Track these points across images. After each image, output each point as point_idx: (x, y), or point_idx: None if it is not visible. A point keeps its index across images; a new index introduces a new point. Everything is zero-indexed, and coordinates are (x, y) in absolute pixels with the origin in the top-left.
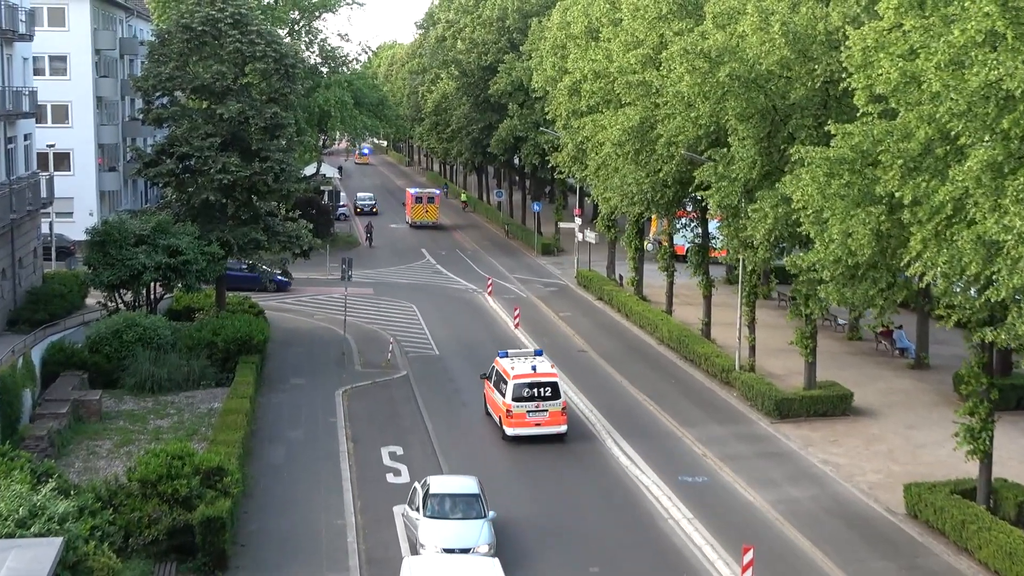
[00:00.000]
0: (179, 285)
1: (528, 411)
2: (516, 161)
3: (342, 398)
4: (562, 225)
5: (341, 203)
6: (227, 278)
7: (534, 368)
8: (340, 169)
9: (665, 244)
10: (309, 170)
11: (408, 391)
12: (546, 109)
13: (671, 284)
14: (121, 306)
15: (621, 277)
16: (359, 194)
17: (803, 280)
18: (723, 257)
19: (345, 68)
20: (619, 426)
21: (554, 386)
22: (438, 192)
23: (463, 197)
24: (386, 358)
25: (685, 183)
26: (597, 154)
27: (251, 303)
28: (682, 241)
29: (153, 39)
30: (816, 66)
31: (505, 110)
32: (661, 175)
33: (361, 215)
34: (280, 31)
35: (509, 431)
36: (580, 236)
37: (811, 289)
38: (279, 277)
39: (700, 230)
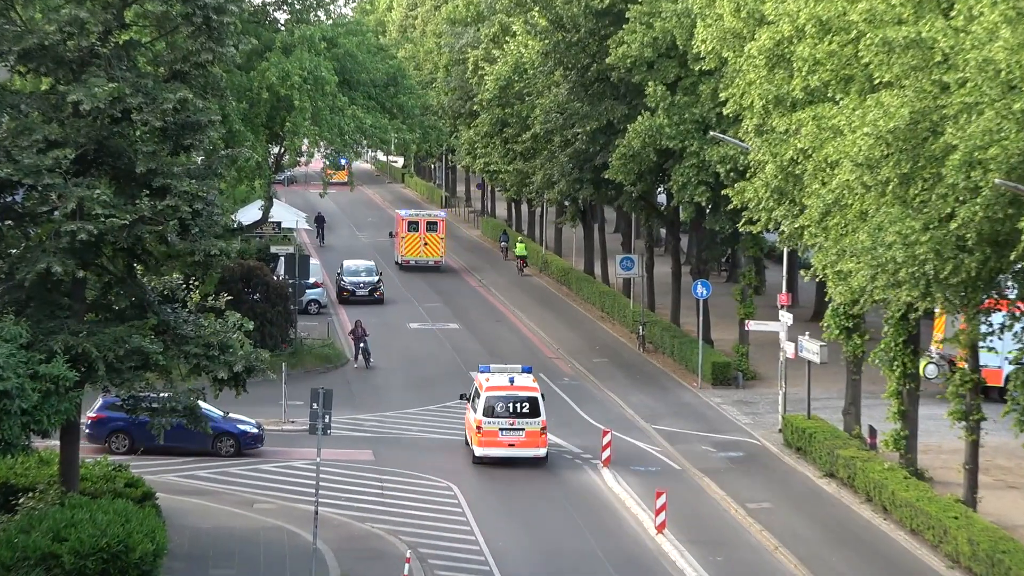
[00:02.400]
0: None
1: (501, 428)
2: (662, 199)
3: None
4: (753, 326)
5: (311, 280)
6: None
7: (511, 380)
8: (320, 220)
9: (962, 365)
10: (249, 214)
11: None
12: (720, 95)
13: (975, 447)
14: None
15: (873, 432)
16: (347, 263)
17: None
18: None
19: (321, 12)
20: None
21: (533, 402)
22: (442, 215)
23: (519, 248)
24: None
25: (1002, 243)
26: (824, 185)
27: (130, 478)
28: (996, 360)
29: None
30: None
31: (639, 97)
32: (955, 227)
33: (349, 303)
34: None
35: (478, 451)
36: (789, 350)
37: None
38: (243, 426)
39: None
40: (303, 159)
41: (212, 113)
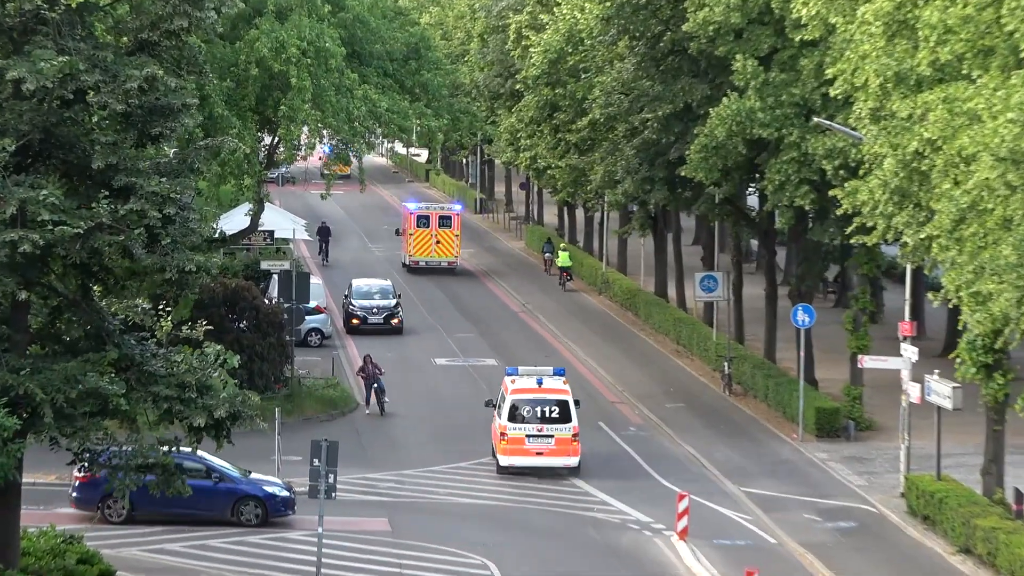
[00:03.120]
0: None
1: (528, 435)
2: (753, 203)
3: None
4: (868, 363)
5: (311, 304)
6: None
7: (540, 383)
8: (324, 233)
9: None
10: (234, 221)
11: None
12: (826, 71)
13: None
14: None
15: (1020, 496)
16: (356, 283)
17: None
18: None
19: None
20: None
21: (564, 406)
22: (459, 209)
23: (561, 258)
24: None
25: None
26: (957, 185)
27: (83, 552)
28: None
29: None
30: None
31: (724, 74)
32: None
33: (359, 332)
34: None
35: (503, 460)
36: (914, 393)
37: None
38: (270, 488)
39: None
40: (302, 152)
41: (187, 94)
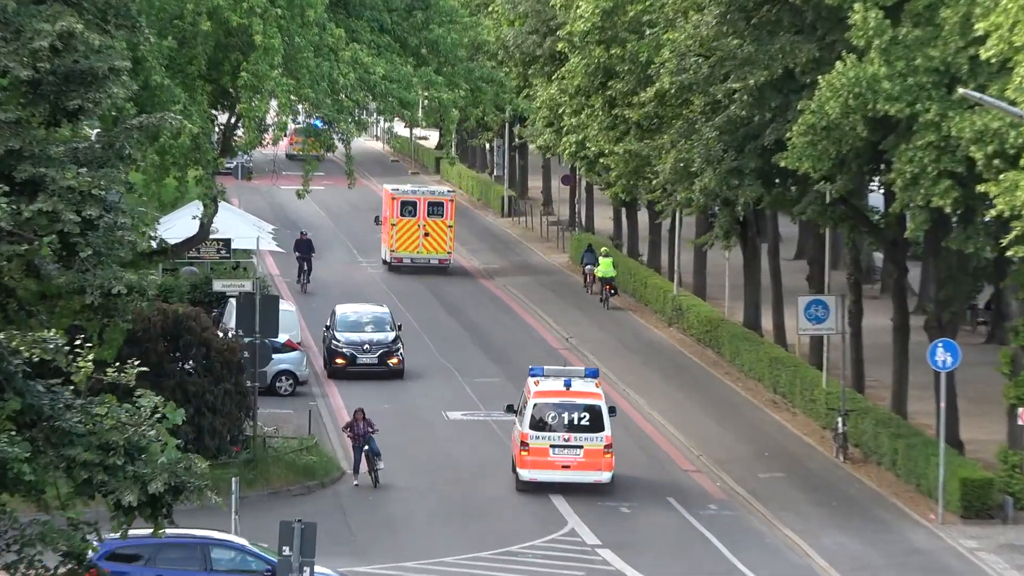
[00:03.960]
0: None
1: (553, 445)
2: (874, 201)
3: None
4: None
5: (281, 339)
6: None
7: (568, 385)
8: (305, 244)
9: None
10: (178, 226)
11: None
12: (975, 26)
13: None
14: None
15: None
16: (342, 310)
17: None
18: None
19: None
20: None
21: (595, 412)
22: (450, 193)
23: (603, 266)
24: None
25: None
26: None
27: None
28: None
29: None
30: None
31: (836, 30)
32: None
33: (346, 376)
34: None
35: (524, 474)
36: None
37: None
38: None
39: None
40: (269, 135)
41: (116, 56)
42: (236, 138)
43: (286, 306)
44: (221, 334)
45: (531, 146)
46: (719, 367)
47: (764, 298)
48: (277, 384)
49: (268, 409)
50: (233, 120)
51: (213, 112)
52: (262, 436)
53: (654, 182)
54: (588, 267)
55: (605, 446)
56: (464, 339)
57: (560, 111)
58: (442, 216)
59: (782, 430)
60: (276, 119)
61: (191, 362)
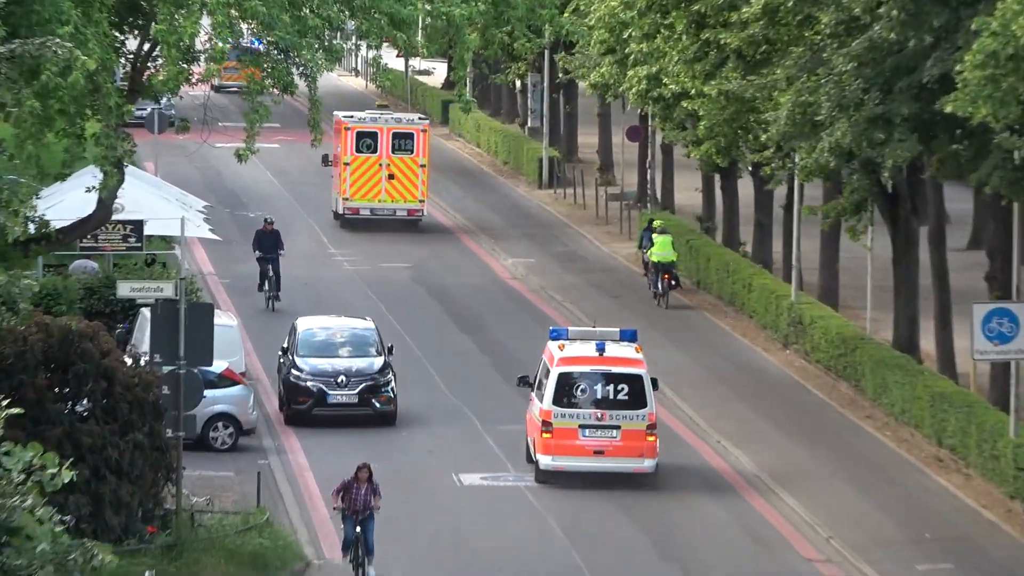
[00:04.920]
0: None
1: (583, 426)
2: None
3: None
4: None
5: (218, 366)
6: None
7: (600, 349)
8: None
9: None
10: (64, 203)
11: None
12: None
13: None
14: None
15: None
16: (304, 325)
17: None
18: None
19: None
20: None
21: (635, 384)
22: (422, 121)
23: (657, 245)
24: None
25: None
26: None
27: None
28: None
29: None
30: None
31: None
32: None
33: (309, 421)
34: None
35: (544, 461)
36: None
37: None
38: None
39: None
40: (199, 67)
41: None
42: (151, 73)
43: (224, 319)
44: (129, 361)
45: (582, 85)
46: (858, 408)
47: (924, 308)
48: (212, 434)
49: (199, 471)
50: (147, 48)
51: (118, 36)
52: (190, 510)
53: (762, 137)
54: (645, 250)
55: (648, 426)
56: (483, 366)
57: (625, 33)
58: (411, 152)
59: (951, 500)
60: (209, 45)
61: (86, 402)
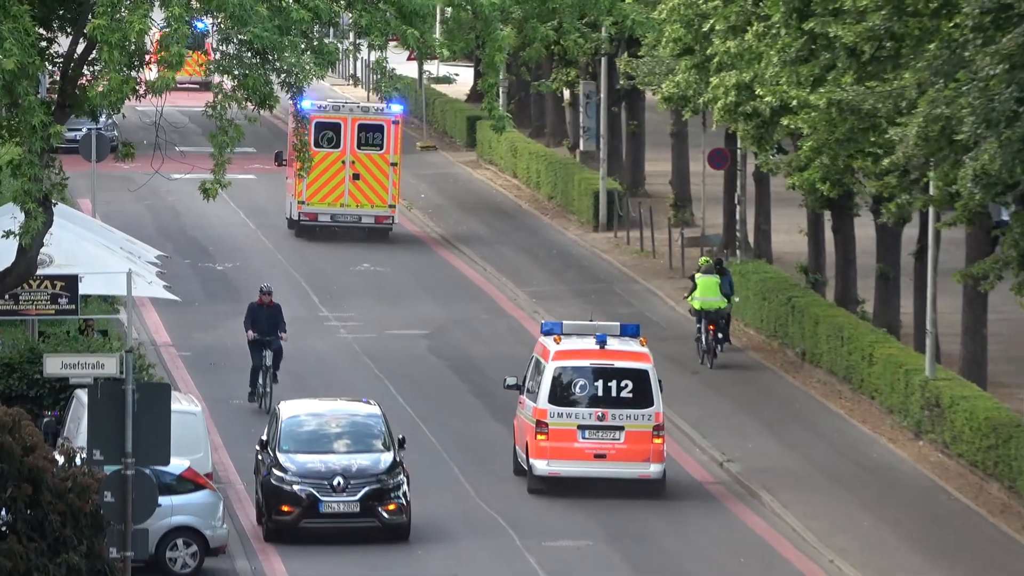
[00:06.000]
0: None
1: (582, 426)
2: None
3: None
4: None
5: (178, 466)
6: None
7: (601, 342)
8: (268, 317)
9: None
10: None
11: None
12: None
13: None
14: None
15: None
16: (291, 412)
17: None
18: None
19: None
20: None
21: (640, 380)
22: (393, 111)
23: (700, 289)
24: None
25: None
26: None
27: None
28: None
29: None
30: None
31: None
32: None
33: (296, 537)
34: None
35: (540, 467)
36: None
37: None
38: None
39: None
40: (145, 74)
41: None
42: (87, 83)
43: (185, 404)
44: (61, 459)
45: (650, 96)
46: (1013, 517)
47: None
48: (169, 554)
49: None
50: (82, 49)
51: (44, 34)
52: None
53: (884, 161)
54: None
55: (655, 427)
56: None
57: (705, 27)
58: (381, 147)
59: None
60: (163, 46)
61: (4, 513)
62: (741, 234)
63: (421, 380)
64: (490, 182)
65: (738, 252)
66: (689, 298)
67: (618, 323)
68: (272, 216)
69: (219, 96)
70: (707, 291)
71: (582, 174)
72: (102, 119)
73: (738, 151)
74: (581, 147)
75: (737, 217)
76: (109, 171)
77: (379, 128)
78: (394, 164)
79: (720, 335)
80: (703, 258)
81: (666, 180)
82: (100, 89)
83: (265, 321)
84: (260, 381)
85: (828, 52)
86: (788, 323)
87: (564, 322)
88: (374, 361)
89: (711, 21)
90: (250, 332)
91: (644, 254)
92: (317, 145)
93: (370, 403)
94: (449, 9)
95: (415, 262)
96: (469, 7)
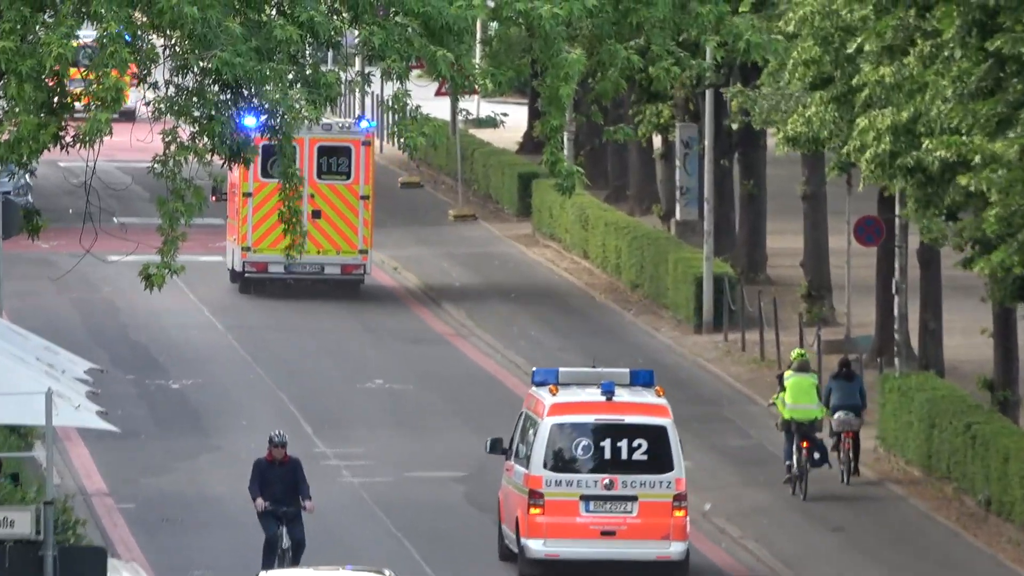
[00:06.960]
0: None
1: (585, 496)
2: None
3: None
4: None
5: None
6: None
7: (608, 392)
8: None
9: None
10: None
11: None
12: None
13: None
14: None
15: None
16: None
17: None
18: None
19: None
20: None
21: (657, 438)
22: (362, 130)
23: (790, 391)
24: None
25: None
26: None
27: None
28: None
29: None
30: None
31: None
32: None
33: None
34: None
35: (534, 547)
36: None
37: None
38: None
39: None
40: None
41: None
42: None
43: (127, 574)
44: None
45: (773, 139)
46: None
47: None
48: None
49: None
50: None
51: None
52: None
53: None
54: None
55: (675, 496)
56: None
57: (851, 47)
58: (348, 176)
59: None
60: (100, 75)
61: None
62: (900, 336)
63: (455, 541)
64: (551, 264)
65: (896, 361)
66: (777, 401)
67: (627, 370)
68: (246, 313)
69: (171, 147)
70: (799, 395)
71: (679, 253)
72: (9, 179)
73: (896, 220)
74: (678, 216)
75: (895, 312)
76: (21, 251)
77: (345, 151)
78: (365, 198)
79: (817, 455)
80: (796, 350)
81: (796, 261)
82: (5, 137)
83: (279, 484)
84: (277, 565)
85: (1022, 82)
86: (967, 460)
87: (560, 369)
88: (390, 515)
89: (858, 39)
90: (259, 500)
91: (766, 364)
92: (265, 174)
93: (383, 573)
94: (495, 24)
95: (445, 377)
96: (522, 22)
